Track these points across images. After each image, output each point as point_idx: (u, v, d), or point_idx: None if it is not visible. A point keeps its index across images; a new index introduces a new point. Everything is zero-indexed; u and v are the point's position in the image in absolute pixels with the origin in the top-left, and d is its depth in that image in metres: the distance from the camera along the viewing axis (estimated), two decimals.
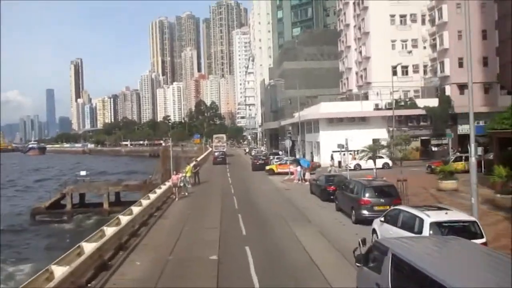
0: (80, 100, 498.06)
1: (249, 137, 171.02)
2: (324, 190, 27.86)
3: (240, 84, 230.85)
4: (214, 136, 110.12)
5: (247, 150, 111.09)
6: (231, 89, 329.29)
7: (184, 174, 32.63)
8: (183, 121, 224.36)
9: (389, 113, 50.22)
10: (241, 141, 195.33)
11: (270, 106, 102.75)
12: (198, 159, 53.56)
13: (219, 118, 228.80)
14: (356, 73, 61.24)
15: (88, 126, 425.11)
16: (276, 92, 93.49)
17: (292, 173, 39.29)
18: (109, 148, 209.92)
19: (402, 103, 51.51)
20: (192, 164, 40.55)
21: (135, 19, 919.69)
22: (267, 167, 45.62)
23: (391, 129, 50.42)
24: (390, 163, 45.02)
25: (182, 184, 31.14)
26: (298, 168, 38.11)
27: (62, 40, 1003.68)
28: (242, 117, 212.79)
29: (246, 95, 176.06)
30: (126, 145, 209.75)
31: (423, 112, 50.87)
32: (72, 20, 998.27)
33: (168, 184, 31.97)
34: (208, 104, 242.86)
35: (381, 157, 45.59)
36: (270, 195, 31.34)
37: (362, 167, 43.74)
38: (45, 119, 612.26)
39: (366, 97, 54.25)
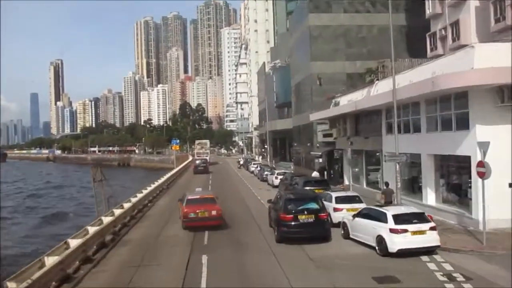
0: (59, 103, 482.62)
1: (240, 143, 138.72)
2: None
3: (230, 84, 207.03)
4: (196, 142, 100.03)
5: (241, 162, 74.85)
6: (219, 91, 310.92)
7: None
8: (166, 124, 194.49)
9: None
10: (230, 147, 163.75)
11: (275, 99, 71.52)
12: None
13: (205, 122, 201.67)
14: (491, 6, 28.23)
15: (68, 131, 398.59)
16: (286, 75, 61.75)
17: None
18: (74, 155, 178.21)
19: None
20: None
21: (119, 19, 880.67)
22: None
23: None
24: None
25: None
26: None
27: (45, 41, 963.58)
28: (232, 121, 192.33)
29: (237, 91, 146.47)
30: (94, 151, 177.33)
31: None
32: (54, 20, 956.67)
33: None
34: (194, 106, 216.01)
35: None
36: None
37: None
38: (29, 123, 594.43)
39: None
